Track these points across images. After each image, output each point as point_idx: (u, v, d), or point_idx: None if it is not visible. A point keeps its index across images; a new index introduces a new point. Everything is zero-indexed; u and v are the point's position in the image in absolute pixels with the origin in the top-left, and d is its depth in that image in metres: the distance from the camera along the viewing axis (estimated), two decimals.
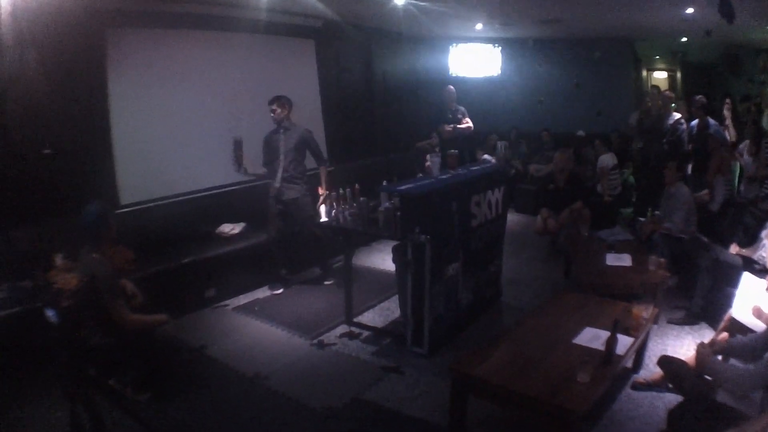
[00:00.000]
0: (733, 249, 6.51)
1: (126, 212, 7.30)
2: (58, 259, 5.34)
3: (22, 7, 6.14)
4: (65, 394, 4.49)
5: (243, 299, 7.57)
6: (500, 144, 13.45)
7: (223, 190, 8.62)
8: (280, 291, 7.82)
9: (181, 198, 8.11)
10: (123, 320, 4.70)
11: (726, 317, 5.17)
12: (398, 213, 5.93)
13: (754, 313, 4.83)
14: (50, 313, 4.47)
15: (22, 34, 6.27)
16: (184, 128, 8.28)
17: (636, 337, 4.73)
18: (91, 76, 7.20)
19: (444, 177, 6.62)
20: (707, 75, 16.36)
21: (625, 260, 6.74)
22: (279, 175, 7.57)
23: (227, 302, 7.45)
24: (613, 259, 6.80)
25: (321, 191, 7.22)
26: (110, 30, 7.42)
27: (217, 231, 8.14)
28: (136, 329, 4.80)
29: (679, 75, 17.03)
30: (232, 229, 8.18)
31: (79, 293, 4.55)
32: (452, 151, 7.49)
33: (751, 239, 6.60)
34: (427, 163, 7.18)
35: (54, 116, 6.71)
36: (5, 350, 5.19)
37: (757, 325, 4.78)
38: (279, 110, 7.55)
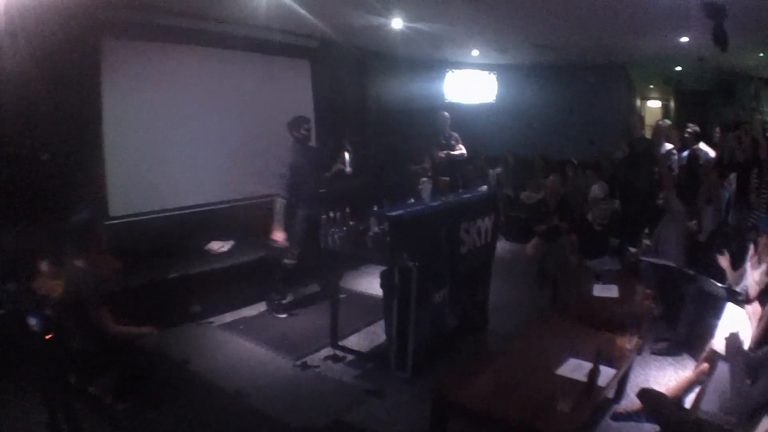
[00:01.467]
0: (724, 262, 6.50)
1: (115, 224, 7.29)
2: (44, 265, 5.33)
3: (19, 15, 6.16)
4: (45, 399, 4.49)
5: (229, 317, 7.52)
6: (492, 171, 13.43)
7: (213, 207, 8.65)
8: (284, 316, 7.71)
9: (170, 213, 8.15)
10: (106, 329, 4.71)
11: (707, 348, 5.19)
12: (387, 238, 5.92)
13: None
14: (33, 321, 4.47)
15: (18, 41, 6.30)
16: (176, 143, 8.33)
17: (619, 368, 4.72)
18: (85, 85, 7.28)
19: (434, 203, 6.63)
20: (701, 103, 16.40)
21: (612, 291, 6.70)
22: (313, 193, 7.58)
23: (213, 319, 7.41)
24: (600, 290, 6.77)
25: None
26: (106, 41, 7.50)
27: (205, 248, 8.12)
28: (119, 339, 4.80)
29: (672, 104, 17.11)
30: (221, 246, 8.16)
31: (62, 302, 4.56)
32: (444, 177, 7.50)
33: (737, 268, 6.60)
34: (420, 187, 7.19)
35: (47, 123, 6.74)
36: None
37: None
38: (310, 129, 7.62)
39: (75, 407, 4.54)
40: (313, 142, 8.19)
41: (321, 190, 7.79)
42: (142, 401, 5.05)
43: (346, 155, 7.86)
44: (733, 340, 4.64)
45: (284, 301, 7.77)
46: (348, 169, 7.98)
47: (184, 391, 5.54)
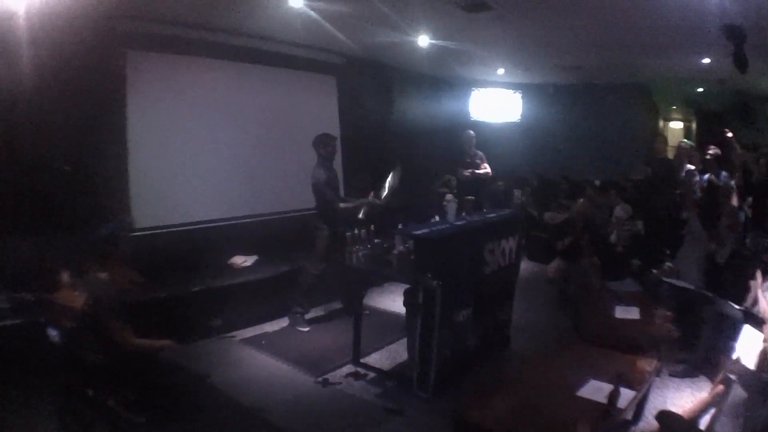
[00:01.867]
0: (759, 282, 6.49)
1: (138, 236, 7.34)
2: (65, 276, 5.37)
3: (44, 27, 6.26)
4: (60, 410, 4.52)
5: (250, 332, 7.55)
6: (517, 192, 13.41)
7: (237, 221, 8.70)
8: (307, 329, 7.75)
9: (194, 226, 8.19)
10: (125, 342, 4.73)
11: (723, 370, 5.19)
12: (412, 257, 5.94)
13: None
14: (53, 333, 4.51)
15: (44, 53, 6.38)
16: (201, 156, 8.38)
17: (638, 391, 4.73)
18: (110, 97, 7.39)
19: (459, 223, 6.65)
20: (720, 125, 16.29)
21: (633, 313, 6.69)
22: (342, 209, 7.60)
23: (234, 333, 7.43)
24: (622, 312, 6.76)
25: None
26: (132, 54, 7.59)
27: (228, 262, 8.16)
28: (137, 352, 4.83)
29: (694, 125, 17.03)
30: (244, 261, 8.20)
31: (82, 314, 4.60)
32: (469, 197, 7.50)
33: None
34: (445, 205, 7.20)
35: (70, 134, 6.83)
36: (1, 360, 5.22)
37: None
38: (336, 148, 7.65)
39: (92, 420, 4.57)
40: (338, 158, 8.23)
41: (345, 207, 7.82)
42: (161, 415, 5.04)
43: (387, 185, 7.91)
44: (737, 367, 4.67)
45: (306, 315, 7.80)
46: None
47: (203, 406, 5.52)
